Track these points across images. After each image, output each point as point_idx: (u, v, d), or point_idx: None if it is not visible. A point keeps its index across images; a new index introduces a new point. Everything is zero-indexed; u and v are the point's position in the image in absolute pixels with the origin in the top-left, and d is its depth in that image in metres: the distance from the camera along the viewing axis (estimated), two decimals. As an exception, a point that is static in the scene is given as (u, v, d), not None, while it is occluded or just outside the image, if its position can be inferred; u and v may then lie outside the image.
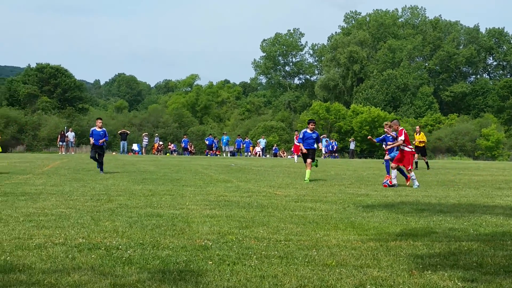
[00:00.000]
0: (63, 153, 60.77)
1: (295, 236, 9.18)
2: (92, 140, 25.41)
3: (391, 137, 21.37)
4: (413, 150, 21.42)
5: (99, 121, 26.02)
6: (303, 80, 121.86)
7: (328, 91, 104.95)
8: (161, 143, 68.00)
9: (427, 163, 33.34)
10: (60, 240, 8.32)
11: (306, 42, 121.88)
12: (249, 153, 66.66)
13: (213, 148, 65.48)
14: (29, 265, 6.74)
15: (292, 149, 54.60)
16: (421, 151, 33.37)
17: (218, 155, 64.14)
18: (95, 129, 25.53)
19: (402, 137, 20.38)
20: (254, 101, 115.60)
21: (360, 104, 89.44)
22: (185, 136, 71.09)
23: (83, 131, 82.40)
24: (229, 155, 64.53)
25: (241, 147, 67.17)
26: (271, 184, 19.93)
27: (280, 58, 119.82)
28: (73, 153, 61.59)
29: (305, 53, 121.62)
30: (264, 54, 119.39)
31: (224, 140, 66.03)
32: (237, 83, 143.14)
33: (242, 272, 6.70)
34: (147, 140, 66.34)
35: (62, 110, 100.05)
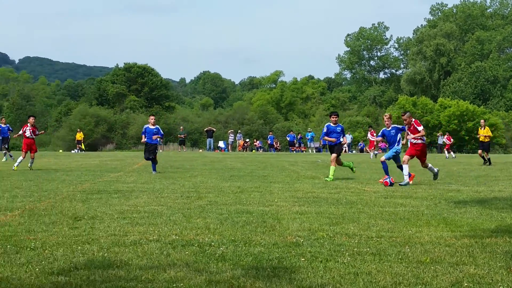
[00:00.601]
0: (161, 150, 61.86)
1: (386, 232, 9.08)
2: (144, 139, 24.09)
3: (394, 130, 19.40)
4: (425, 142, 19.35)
5: (152, 117, 24.46)
6: (389, 74, 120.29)
7: (415, 85, 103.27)
8: (247, 140, 68.45)
9: (489, 159, 31.98)
10: (154, 237, 8.48)
11: (391, 35, 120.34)
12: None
13: (295, 145, 65.45)
14: (126, 261, 6.90)
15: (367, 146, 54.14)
16: (485, 146, 32.15)
17: (304, 152, 64.09)
18: (148, 126, 24.02)
19: (421, 127, 18.91)
20: (339, 97, 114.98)
21: (448, 97, 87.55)
22: (270, 133, 71.29)
23: (170, 129, 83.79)
24: (314, 151, 64.36)
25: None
26: (359, 180, 19.78)
27: (364, 52, 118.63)
28: (161, 151, 62.68)
29: (390, 47, 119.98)
30: (349, 49, 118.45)
31: (309, 136, 65.90)
32: (322, 78, 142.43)
33: (335, 269, 6.67)
34: (232, 137, 66.83)
35: (149, 108, 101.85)
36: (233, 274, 6.36)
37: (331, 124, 20.77)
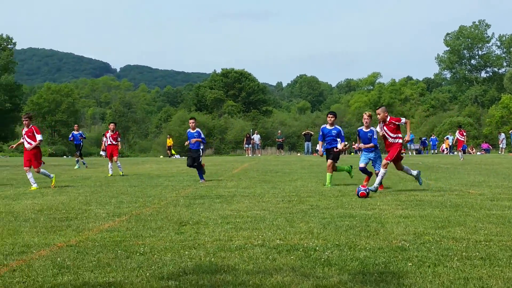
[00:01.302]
0: (250, 155, 62.43)
1: (495, 236, 8.82)
2: (187, 143, 22.68)
3: (371, 133, 17.61)
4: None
5: (192, 121, 22.58)
6: (491, 73, 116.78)
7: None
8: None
9: None
10: (259, 242, 8.54)
11: (493, 33, 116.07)
12: (435, 151, 65.04)
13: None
14: (232, 266, 6.98)
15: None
16: None
17: (404, 154, 63.18)
18: (189, 130, 22.58)
19: (403, 120, 16.35)
20: (438, 97, 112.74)
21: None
22: (369, 135, 70.59)
23: (268, 133, 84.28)
24: (414, 153, 63.29)
25: (427, 144, 65.68)
26: (463, 182, 19.30)
27: (465, 51, 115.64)
28: (259, 155, 63.11)
29: (492, 45, 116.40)
30: (448, 48, 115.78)
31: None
32: (420, 79, 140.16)
33: (444, 274, 6.53)
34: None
35: (247, 113, 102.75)
36: (340, 279, 6.32)
37: (327, 126, 18.88)
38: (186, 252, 7.80)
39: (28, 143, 19.68)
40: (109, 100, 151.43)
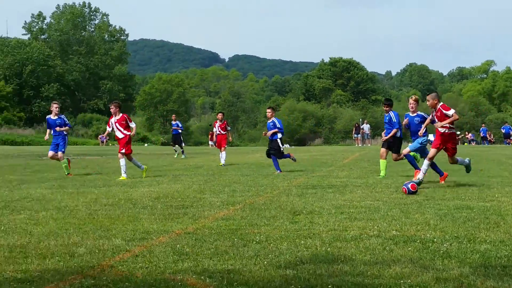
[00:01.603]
0: (359, 145, 61.92)
1: None
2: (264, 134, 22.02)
3: (419, 117, 16.95)
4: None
5: (268, 111, 21.91)
6: None
7: None
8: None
9: None
10: (374, 232, 8.46)
11: None
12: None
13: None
14: (349, 256, 6.94)
15: None
16: None
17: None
18: (268, 121, 21.91)
19: (452, 111, 14.70)
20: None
21: None
22: (483, 125, 68.63)
23: (377, 122, 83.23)
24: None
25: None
26: None
27: None
28: (369, 145, 62.50)
29: None
30: None
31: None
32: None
33: None
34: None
35: (356, 102, 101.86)
36: (461, 272, 6.17)
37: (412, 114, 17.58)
38: (302, 242, 7.82)
39: (121, 132, 19.37)
40: (218, 89, 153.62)
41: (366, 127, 64.69)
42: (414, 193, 13.20)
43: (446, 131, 14.78)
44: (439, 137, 14.89)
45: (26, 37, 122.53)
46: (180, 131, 37.17)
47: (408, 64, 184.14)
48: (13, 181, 17.92)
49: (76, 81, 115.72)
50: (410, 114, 17.29)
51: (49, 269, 6.43)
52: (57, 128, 20.23)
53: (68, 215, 10.58)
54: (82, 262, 6.77)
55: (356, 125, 65.69)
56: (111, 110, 19.52)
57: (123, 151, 19.31)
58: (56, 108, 20.41)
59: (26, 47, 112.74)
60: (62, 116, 20.54)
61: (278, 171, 20.82)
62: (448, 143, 14.95)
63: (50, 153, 20.60)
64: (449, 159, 15.27)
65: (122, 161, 19.25)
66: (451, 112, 14.62)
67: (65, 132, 20.64)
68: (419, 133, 16.79)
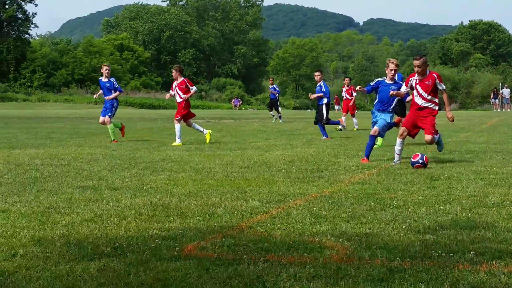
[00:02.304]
0: (498, 110, 59.74)
1: None
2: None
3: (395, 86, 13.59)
4: None
5: (316, 74, 20.75)
6: None
7: None
8: None
9: None
10: (517, 199, 8.16)
11: None
12: None
13: None
14: (491, 223, 6.72)
15: None
16: None
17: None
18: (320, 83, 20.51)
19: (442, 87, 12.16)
20: None
21: None
22: None
23: (518, 87, 79.91)
24: None
25: None
26: None
27: None
28: (509, 110, 60.14)
29: None
30: None
31: None
32: None
33: None
34: None
35: (496, 66, 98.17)
36: None
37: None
38: (441, 207, 7.65)
39: (180, 96, 18.75)
40: (352, 54, 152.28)
41: (506, 91, 62.18)
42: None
43: (431, 106, 12.17)
44: (415, 112, 12.30)
45: (165, 4, 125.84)
46: (277, 95, 35.64)
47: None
48: (152, 143, 18.56)
49: (211, 46, 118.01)
50: (386, 81, 13.80)
51: (190, 227, 6.63)
52: (106, 97, 19.54)
53: (206, 176, 10.84)
54: (222, 222, 6.93)
55: (494, 89, 63.27)
56: (172, 74, 19.36)
57: (179, 117, 18.64)
58: (106, 70, 19.60)
59: (164, 14, 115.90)
60: (112, 80, 19.71)
61: (325, 137, 20.13)
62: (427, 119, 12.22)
63: (101, 118, 19.72)
64: (426, 139, 12.29)
65: (178, 127, 18.42)
66: (443, 86, 12.30)
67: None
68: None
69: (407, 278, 4.78)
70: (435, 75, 12.23)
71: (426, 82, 12.04)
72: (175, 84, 19.03)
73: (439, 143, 12.91)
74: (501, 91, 62.25)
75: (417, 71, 12.16)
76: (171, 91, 19.38)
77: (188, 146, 17.43)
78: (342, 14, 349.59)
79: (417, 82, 12.16)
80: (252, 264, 5.19)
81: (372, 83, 14.33)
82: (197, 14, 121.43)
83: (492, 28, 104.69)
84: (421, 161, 11.64)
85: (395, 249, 5.60)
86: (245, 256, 5.43)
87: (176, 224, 6.81)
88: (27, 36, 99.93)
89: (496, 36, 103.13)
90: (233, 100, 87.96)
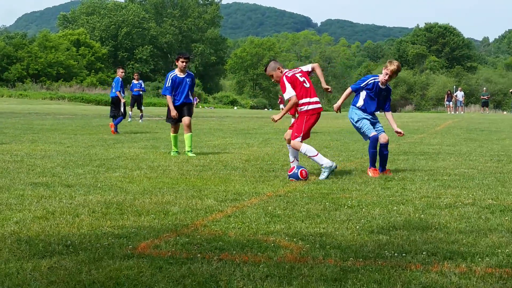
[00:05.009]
0: (451, 112, 60.58)
1: None
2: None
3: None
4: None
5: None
6: None
7: None
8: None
9: None
10: (469, 201, 8.26)
11: None
12: None
13: None
14: (443, 224, 6.80)
15: None
16: None
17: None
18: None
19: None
20: None
21: None
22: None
23: (472, 90, 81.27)
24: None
25: None
26: None
27: None
28: (462, 112, 61.07)
29: None
30: None
31: None
32: None
33: None
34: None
35: (450, 69, 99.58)
36: (561, 244, 5.96)
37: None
38: (395, 208, 7.72)
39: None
40: (309, 54, 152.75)
41: (459, 94, 63.05)
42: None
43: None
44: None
45: (122, 0, 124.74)
46: (141, 92, 32.30)
47: (507, 30, 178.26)
48: (107, 140, 18.39)
49: (169, 44, 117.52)
50: (380, 85, 11.26)
51: (144, 226, 6.58)
52: None
53: (161, 174, 10.78)
54: (176, 220, 6.89)
55: (448, 92, 64.15)
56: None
57: None
58: None
59: (122, 10, 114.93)
60: None
61: None
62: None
63: None
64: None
65: None
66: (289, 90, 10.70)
67: None
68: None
69: (360, 278, 4.81)
70: None
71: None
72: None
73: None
74: (455, 94, 63.11)
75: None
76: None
77: (143, 143, 17.31)
78: (300, 14, 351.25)
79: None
80: (205, 263, 5.16)
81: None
82: (155, 11, 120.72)
83: (447, 31, 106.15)
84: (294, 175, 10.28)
85: (349, 249, 5.64)
86: (199, 255, 5.41)
87: (130, 222, 6.75)
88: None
89: (451, 39, 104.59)
90: (195, 98, 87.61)
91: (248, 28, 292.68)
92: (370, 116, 11.35)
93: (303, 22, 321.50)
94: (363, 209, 7.60)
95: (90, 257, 5.30)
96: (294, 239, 6.00)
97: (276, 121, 10.96)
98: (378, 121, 11.49)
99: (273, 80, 11.10)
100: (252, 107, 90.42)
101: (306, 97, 10.74)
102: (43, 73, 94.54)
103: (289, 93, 10.56)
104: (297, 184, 9.66)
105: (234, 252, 5.53)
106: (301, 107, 10.78)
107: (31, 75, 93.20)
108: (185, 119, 14.27)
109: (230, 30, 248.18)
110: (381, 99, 11.35)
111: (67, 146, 15.95)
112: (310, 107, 10.79)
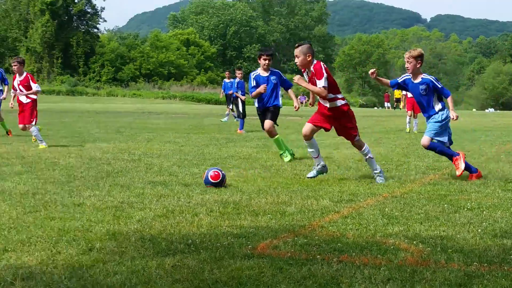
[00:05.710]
0: None
1: None
2: None
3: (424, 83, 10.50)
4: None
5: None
6: None
7: None
8: None
9: None
10: None
11: None
12: None
13: None
14: None
15: None
16: None
17: None
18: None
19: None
20: None
21: None
22: None
23: None
24: None
25: None
26: None
27: None
28: None
29: None
30: None
31: None
32: None
33: None
34: None
35: None
36: None
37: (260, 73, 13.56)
38: (517, 210, 7.47)
39: (27, 96, 15.45)
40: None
41: None
42: None
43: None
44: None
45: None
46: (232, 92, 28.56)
47: None
48: (220, 140, 18.66)
49: (277, 42, 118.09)
50: (412, 80, 10.72)
51: (262, 226, 6.63)
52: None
53: (275, 174, 10.84)
54: (293, 221, 6.91)
55: None
56: (14, 68, 15.61)
57: (34, 120, 15.36)
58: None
59: (230, 8, 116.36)
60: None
61: None
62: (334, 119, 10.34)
63: None
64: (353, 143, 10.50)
65: (35, 129, 15.31)
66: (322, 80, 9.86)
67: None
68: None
69: (486, 283, 4.68)
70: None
71: None
72: (16, 81, 15.57)
73: None
74: None
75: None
76: (13, 90, 15.93)
77: (255, 143, 17.46)
78: (408, 10, 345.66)
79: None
80: (325, 265, 5.16)
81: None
82: (263, 9, 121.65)
83: None
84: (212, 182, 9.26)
85: (472, 253, 5.49)
86: (318, 256, 5.41)
87: (248, 222, 6.82)
88: (95, 30, 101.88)
89: None
90: (299, 97, 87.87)
91: (355, 25, 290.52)
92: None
93: (412, 18, 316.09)
94: (484, 212, 7.38)
95: (211, 256, 5.39)
96: (414, 242, 5.90)
97: (296, 81, 9.94)
98: (429, 122, 10.70)
99: (296, 61, 10.10)
100: (361, 106, 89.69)
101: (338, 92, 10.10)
102: (155, 72, 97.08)
103: (325, 82, 9.71)
104: (413, 186, 9.50)
105: (354, 254, 5.50)
106: (339, 101, 10.03)
107: (143, 75, 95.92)
108: (265, 124, 13.20)
109: (337, 27, 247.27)
110: (424, 95, 10.46)
111: (181, 146, 16.30)
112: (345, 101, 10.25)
